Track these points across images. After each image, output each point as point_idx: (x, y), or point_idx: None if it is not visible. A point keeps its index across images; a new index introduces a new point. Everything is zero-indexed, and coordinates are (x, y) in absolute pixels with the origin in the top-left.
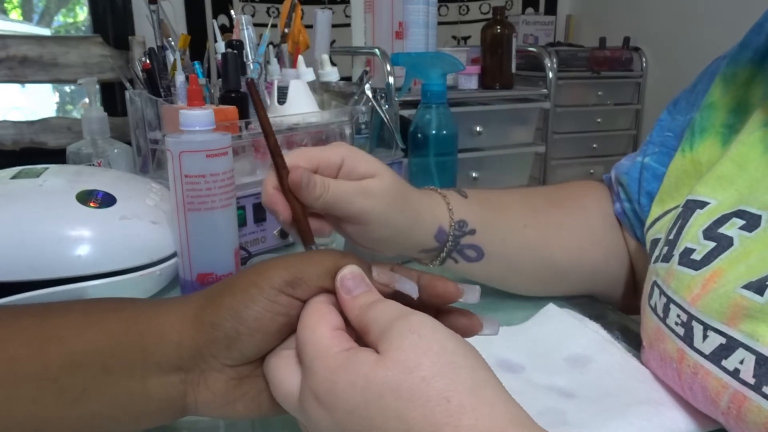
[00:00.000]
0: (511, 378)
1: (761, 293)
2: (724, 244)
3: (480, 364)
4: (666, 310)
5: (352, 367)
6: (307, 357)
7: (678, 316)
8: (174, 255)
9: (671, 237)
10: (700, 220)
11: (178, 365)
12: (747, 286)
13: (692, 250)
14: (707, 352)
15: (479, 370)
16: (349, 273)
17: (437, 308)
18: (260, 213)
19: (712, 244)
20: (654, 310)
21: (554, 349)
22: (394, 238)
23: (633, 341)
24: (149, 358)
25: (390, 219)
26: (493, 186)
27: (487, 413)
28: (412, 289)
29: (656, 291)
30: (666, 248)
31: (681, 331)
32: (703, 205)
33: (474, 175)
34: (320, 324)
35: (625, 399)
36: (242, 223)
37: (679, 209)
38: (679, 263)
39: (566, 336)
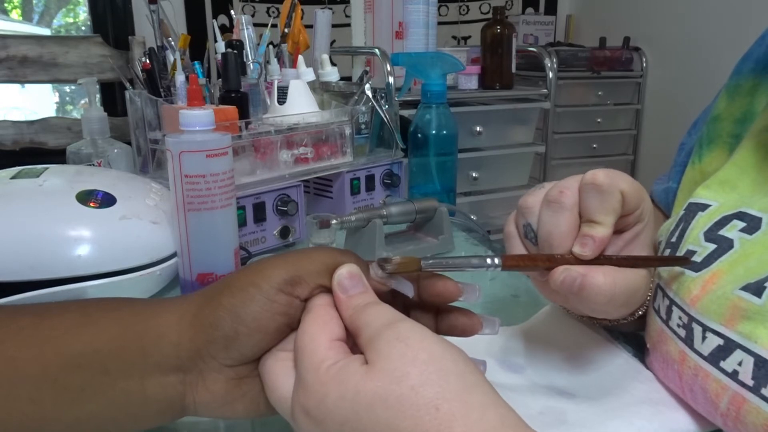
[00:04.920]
0: (511, 378)
1: (759, 295)
2: (724, 246)
3: (469, 369)
4: (669, 312)
5: (342, 379)
6: (302, 366)
7: (680, 317)
8: (174, 255)
9: (674, 240)
10: (702, 222)
11: (177, 366)
12: (745, 288)
13: (693, 252)
14: (706, 353)
15: (468, 374)
16: (347, 272)
17: (438, 307)
18: (260, 213)
19: (712, 246)
20: (657, 312)
21: (554, 349)
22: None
23: (633, 341)
24: (148, 358)
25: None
26: (494, 186)
27: (478, 419)
28: (407, 289)
29: (659, 293)
30: (668, 251)
31: (682, 332)
32: (704, 207)
33: (474, 175)
34: (320, 333)
35: (625, 399)
36: (242, 223)
37: (681, 212)
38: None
39: (566, 336)
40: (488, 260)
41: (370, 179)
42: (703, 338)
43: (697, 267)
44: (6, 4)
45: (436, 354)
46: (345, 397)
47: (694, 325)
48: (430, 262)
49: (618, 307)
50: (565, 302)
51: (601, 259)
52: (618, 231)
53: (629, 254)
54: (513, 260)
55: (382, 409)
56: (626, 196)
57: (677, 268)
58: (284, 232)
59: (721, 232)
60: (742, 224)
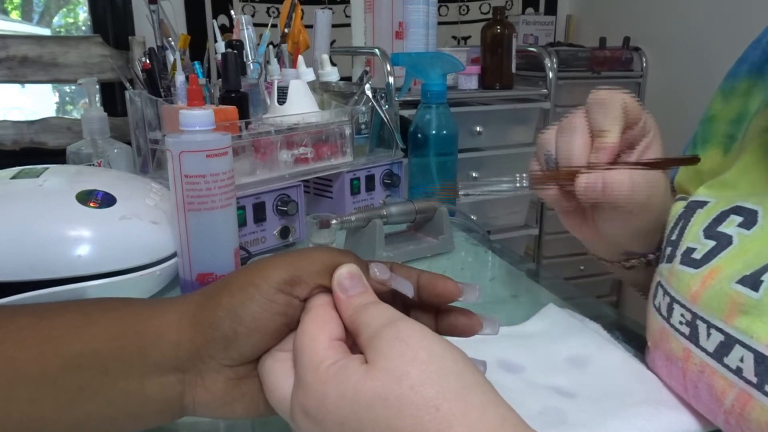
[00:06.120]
0: (512, 378)
1: (756, 288)
2: (723, 242)
3: (469, 369)
4: (670, 309)
5: (341, 379)
6: (301, 366)
7: (682, 315)
8: (174, 255)
9: (673, 237)
10: (700, 219)
11: (176, 366)
12: (741, 281)
13: (693, 249)
14: (711, 350)
15: (468, 374)
16: (347, 272)
17: (437, 307)
18: (260, 213)
19: (712, 243)
20: (658, 310)
21: (554, 349)
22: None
23: (633, 341)
24: (147, 358)
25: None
26: None
27: (478, 419)
28: (407, 289)
29: (660, 291)
30: (669, 249)
31: (686, 330)
32: (703, 204)
33: (474, 175)
34: (319, 332)
35: (625, 399)
36: (242, 223)
37: (681, 210)
38: (681, 263)
39: (566, 336)
40: (517, 180)
41: (370, 179)
42: (708, 335)
43: (697, 264)
44: (6, 4)
45: (436, 353)
46: (344, 397)
47: (698, 322)
48: (468, 191)
49: (641, 206)
50: (589, 232)
51: (616, 165)
52: (629, 146)
53: (648, 159)
54: (539, 178)
55: (381, 409)
56: (627, 104)
57: (677, 266)
58: (284, 232)
59: (720, 229)
60: (739, 219)
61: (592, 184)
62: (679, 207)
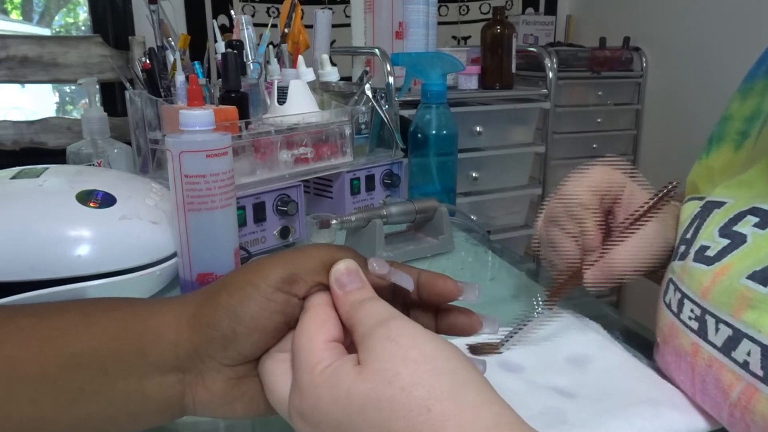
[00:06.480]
0: (512, 378)
1: (765, 284)
2: (737, 241)
3: (463, 367)
4: (680, 305)
5: (334, 382)
6: (298, 367)
7: (692, 310)
8: (174, 255)
9: (688, 236)
10: (717, 219)
11: (176, 365)
12: (751, 276)
13: (707, 248)
14: (719, 344)
15: (461, 372)
16: (344, 268)
17: (437, 306)
18: (260, 213)
19: (726, 242)
20: (669, 306)
21: (555, 349)
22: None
23: (633, 341)
24: (146, 358)
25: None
26: (494, 186)
27: (471, 418)
28: (407, 282)
29: (671, 288)
30: (683, 247)
31: (695, 325)
32: (720, 205)
33: (474, 175)
34: (317, 333)
35: (625, 399)
36: (242, 223)
37: (698, 209)
38: (694, 260)
39: (567, 336)
40: (539, 307)
41: (370, 179)
42: (716, 330)
43: (710, 261)
44: (6, 4)
45: (428, 353)
46: (338, 400)
47: (707, 317)
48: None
49: (647, 261)
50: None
51: (610, 238)
52: (617, 202)
53: (635, 214)
54: (553, 296)
55: (374, 411)
56: (591, 187)
57: (690, 263)
58: (284, 232)
59: (735, 228)
60: (755, 219)
61: (598, 281)
62: (694, 206)
